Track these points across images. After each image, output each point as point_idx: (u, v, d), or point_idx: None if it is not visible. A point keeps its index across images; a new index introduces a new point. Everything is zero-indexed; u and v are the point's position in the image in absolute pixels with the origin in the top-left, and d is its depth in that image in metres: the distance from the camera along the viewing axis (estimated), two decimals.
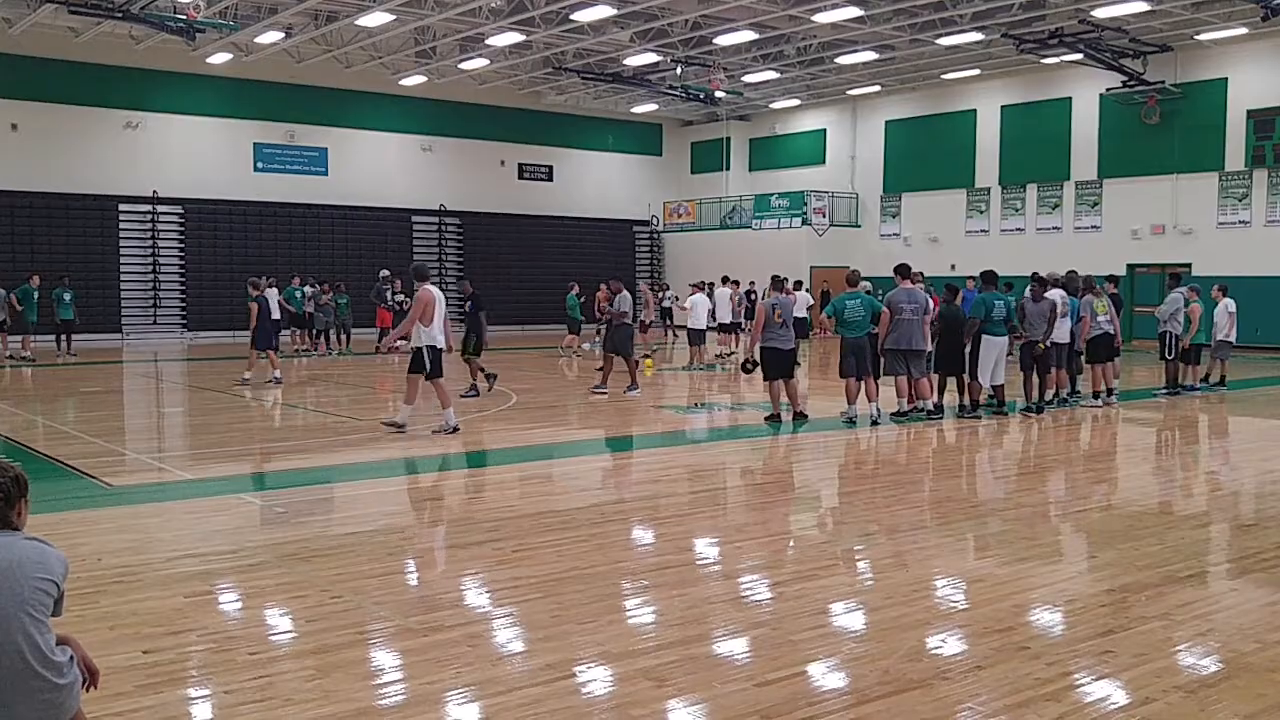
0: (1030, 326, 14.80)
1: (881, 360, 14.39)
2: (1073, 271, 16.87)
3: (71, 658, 3.69)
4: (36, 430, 13.60)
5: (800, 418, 14.03)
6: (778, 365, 14.07)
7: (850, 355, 14.07)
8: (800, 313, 28.49)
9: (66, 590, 3.72)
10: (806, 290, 29.25)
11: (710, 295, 26.53)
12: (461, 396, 16.38)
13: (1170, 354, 17.42)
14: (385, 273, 28.63)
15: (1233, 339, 18.29)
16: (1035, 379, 15.14)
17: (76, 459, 11.09)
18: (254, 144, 34.43)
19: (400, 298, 27.31)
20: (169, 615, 5.95)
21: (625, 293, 17.49)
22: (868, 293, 15.10)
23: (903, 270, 14.67)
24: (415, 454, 12.27)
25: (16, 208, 30.11)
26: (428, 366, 12.80)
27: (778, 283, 14.89)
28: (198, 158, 33.20)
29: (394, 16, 27.37)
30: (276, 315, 25.41)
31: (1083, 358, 16.68)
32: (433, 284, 13.20)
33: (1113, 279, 17.60)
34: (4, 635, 3.48)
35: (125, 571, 6.85)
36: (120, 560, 7.12)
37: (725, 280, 27.23)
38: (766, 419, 14.17)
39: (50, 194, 30.60)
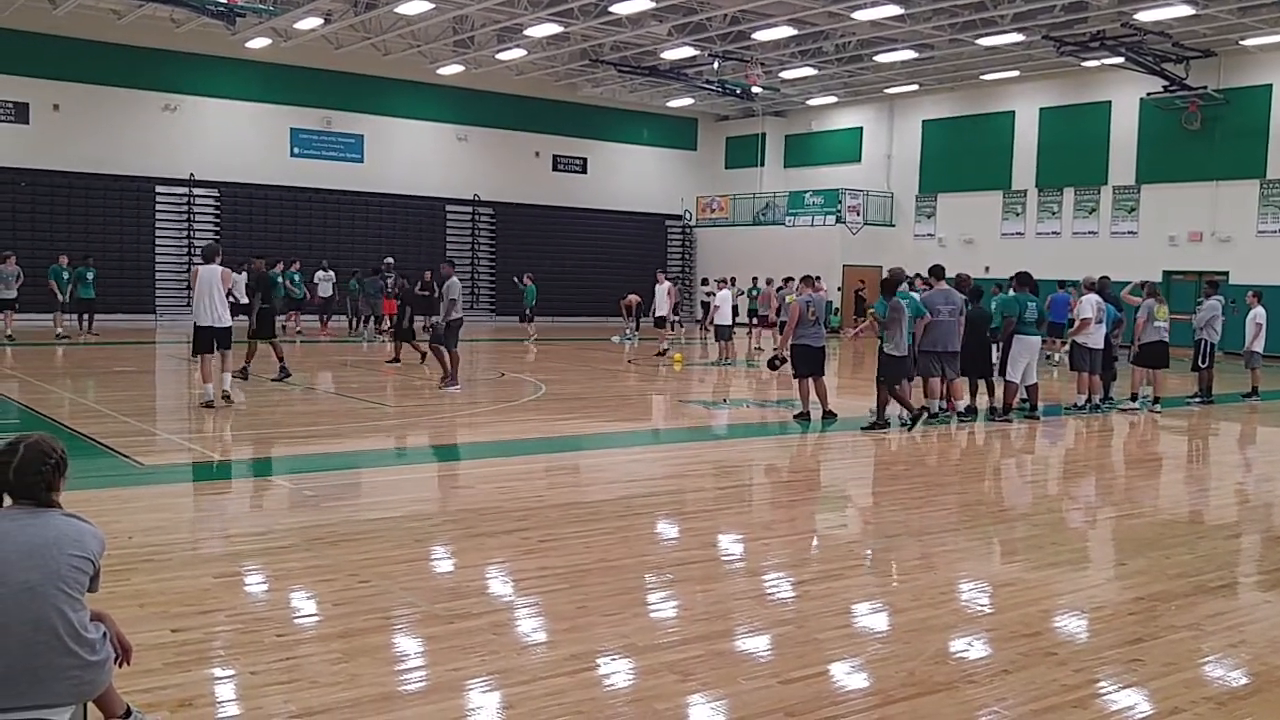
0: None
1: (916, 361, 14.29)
2: (1098, 278, 16.69)
3: (104, 634, 3.73)
4: (70, 408, 13.73)
5: (829, 416, 13.97)
6: (808, 362, 14.02)
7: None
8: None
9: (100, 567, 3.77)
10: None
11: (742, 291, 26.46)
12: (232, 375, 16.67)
13: (1204, 362, 17.25)
14: (389, 260, 28.94)
15: (1259, 349, 18.05)
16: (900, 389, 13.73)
17: (109, 437, 11.19)
18: (291, 129, 34.61)
19: (402, 283, 28.17)
20: (198, 595, 6.00)
21: (455, 279, 16.62)
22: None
23: (937, 272, 14.60)
24: (445, 441, 12.32)
25: (56, 187, 30.41)
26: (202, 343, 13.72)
27: (809, 280, 14.85)
28: (235, 141, 33.41)
29: (433, 5, 27.43)
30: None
31: (1117, 363, 16.57)
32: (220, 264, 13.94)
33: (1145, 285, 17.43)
34: (38, 612, 3.52)
35: (155, 550, 6.91)
36: (151, 539, 7.18)
37: (769, 281, 27.19)
38: (795, 417, 14.12)
39: (89, 174, 30.88)
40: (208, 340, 13.75)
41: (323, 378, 18.50)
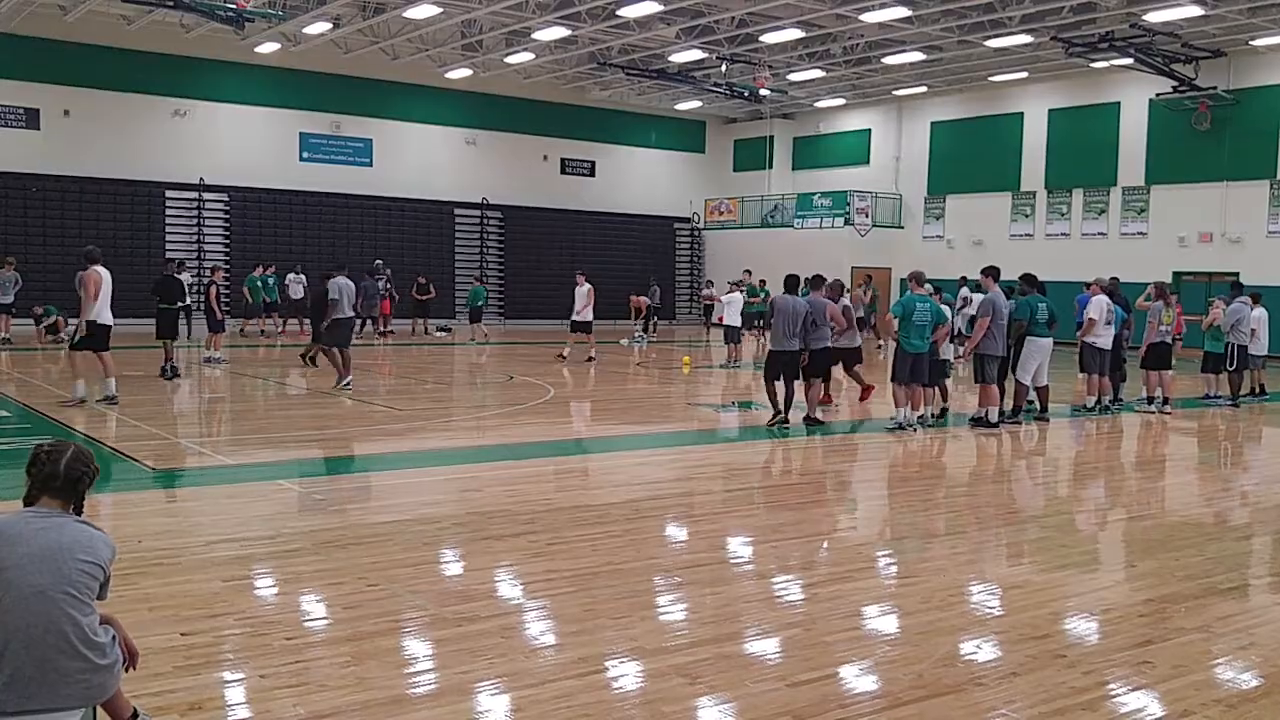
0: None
1: (983, 365, 14.18)
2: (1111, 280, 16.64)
3: (113, 638, 3.75)
4: (79, 411, 13.75)
5: (813, 423, 13.81)
6: (820, 364, 14.04)
7: (906, 360, 13.65)
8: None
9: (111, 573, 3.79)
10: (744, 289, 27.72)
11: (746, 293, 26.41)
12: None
13: (1232, 364, 17.30)
14: (379, 262, 29.03)
15: (1256, 350, 18.01)
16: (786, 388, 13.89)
17: (119, 441, 11.22)
18: (300, 134, 34.67)
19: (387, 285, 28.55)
20: (207, 599, 6.02)
21: (340, 279, 16.51)
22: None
23: (994, 272, 14.56)
24: (453, 444, 12.34)
25: (66, 192, 30.51)
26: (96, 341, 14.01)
27: (818, 281, 14.83)
28: (244, 146, 33.46)
29: (441, 9, 27.47)
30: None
31: (1126, 364, 16.58)
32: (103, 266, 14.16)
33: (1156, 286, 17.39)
34: (48, 616, 3.54)
35: (165, 554, 6.93)
36: (160, 543, 7.20)
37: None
38: (804, 419, 14.09)
39: (99, 179, 30.96)
40: (107, 338, 14.25)
41: (324, 380, 18.47)
